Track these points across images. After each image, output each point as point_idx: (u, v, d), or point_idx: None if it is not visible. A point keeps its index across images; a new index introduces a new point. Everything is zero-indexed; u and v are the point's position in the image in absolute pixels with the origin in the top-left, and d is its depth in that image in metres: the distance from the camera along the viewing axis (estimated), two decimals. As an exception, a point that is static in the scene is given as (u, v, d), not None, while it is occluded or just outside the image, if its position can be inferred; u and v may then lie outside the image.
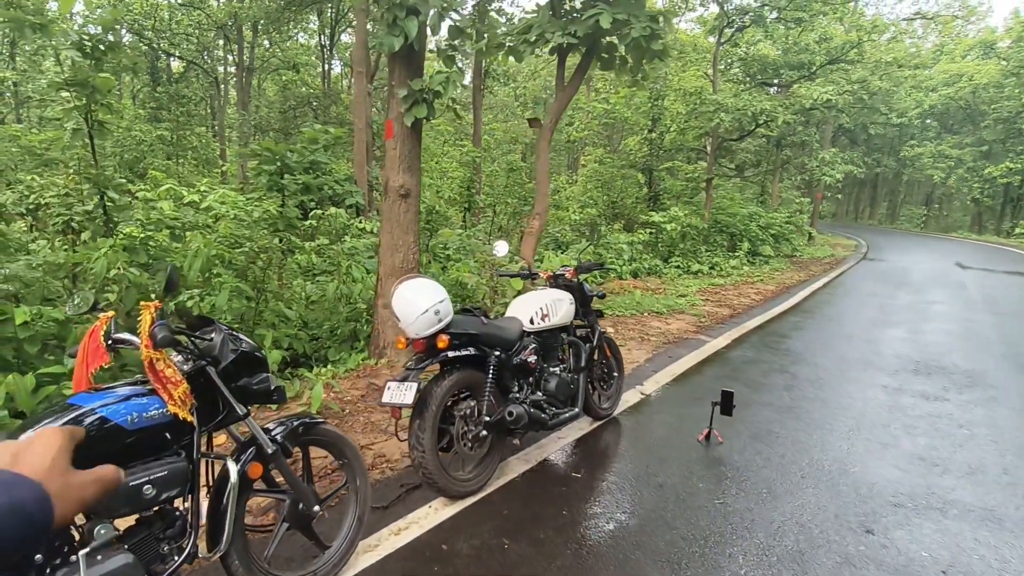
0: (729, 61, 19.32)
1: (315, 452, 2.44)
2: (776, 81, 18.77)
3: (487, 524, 2.77)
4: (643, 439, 3.86)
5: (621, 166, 17.83)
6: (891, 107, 30.06)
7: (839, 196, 41.70)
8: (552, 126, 6.12)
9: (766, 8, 15.13)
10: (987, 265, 16.36)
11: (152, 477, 1.62)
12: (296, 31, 24.84)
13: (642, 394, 4.66)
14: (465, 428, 2.99)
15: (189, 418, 1.74)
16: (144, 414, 1.64)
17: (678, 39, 21.79)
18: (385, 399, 2.74)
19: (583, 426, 3.95)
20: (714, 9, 17.07)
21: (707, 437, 3.81)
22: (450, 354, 2.90)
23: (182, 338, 1.84)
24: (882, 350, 6.39)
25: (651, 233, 13.67)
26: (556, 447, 3.64)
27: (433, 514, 2.84)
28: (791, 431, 4.05)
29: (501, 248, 3.99)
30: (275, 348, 4.72)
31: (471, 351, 3.02)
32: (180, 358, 1.85)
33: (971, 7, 40.75)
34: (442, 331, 2.86)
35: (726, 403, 3.80)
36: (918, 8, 38.36)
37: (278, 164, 6.80)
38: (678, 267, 12.77)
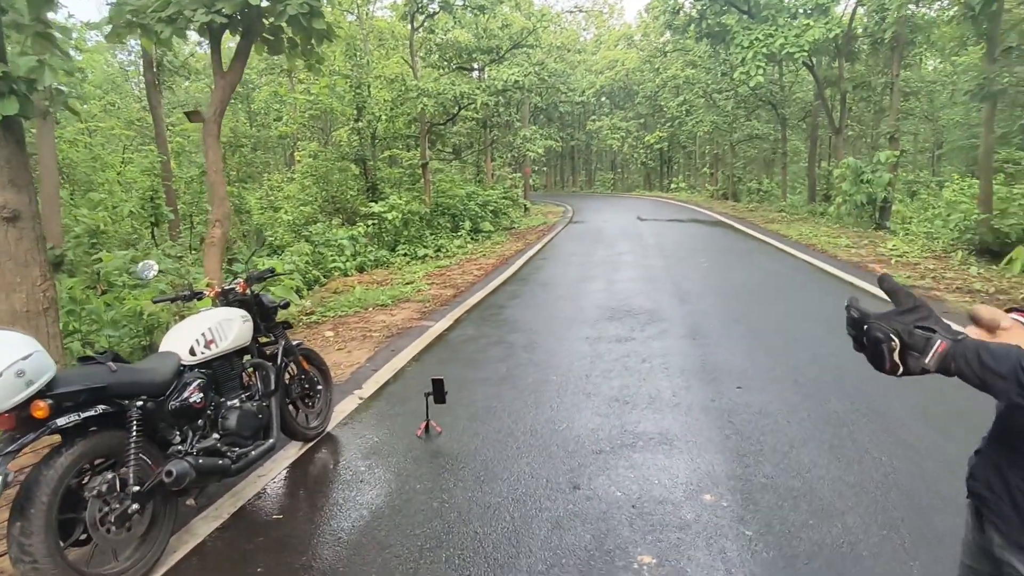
0: (429, 48, 19.74)
1: None
2: (473, 66, 19.79)
3: (151, 623, 2.18)
4: (360, 450, 3.54)
5: (336, 159, 17.10)
6: (571, 87, 34.17)
7: (545, 169, 46.48)
8: (217, 119, 5.32)
9: (451, -6, 15.67)
10: (656, 216, 19.67)
11: None
12: None
13: (360, 399, 4.33)
14: (105, 509, 2.32)
15: None
16: None
17: (375, 25, 21.59)
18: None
19: (290, 454, 3.48)
20: (402, -5, 17.16)
21: (426, 430, 3.65)
22: (60, 422, 2.19)
23: None
24: (584, 304, 7.07)
25: (373, 224, 13.36)
26: (255, 490, 3.11)
27: (70, 635, 2.14)
28: (507, 403, 4.12)
29: (147, 269, 3.25)
30: None
31: (98, 410, 2.33)
32: None
33: (612, 4, 48.54)
34: (38, 396, 2.13)
35: (437, 391, 3.68)
36: (575, 3, 44.28)
37: None
38: (406, 254, 12.71)
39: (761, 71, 14.39)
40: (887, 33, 12.90)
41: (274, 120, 24.20)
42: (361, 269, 11.25)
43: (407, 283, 9.22)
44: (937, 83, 23.62)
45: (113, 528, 2.32)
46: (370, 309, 7.47)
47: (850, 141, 18.20)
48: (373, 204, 13.81)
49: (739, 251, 11.43)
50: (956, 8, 10.71)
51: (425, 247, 13.17)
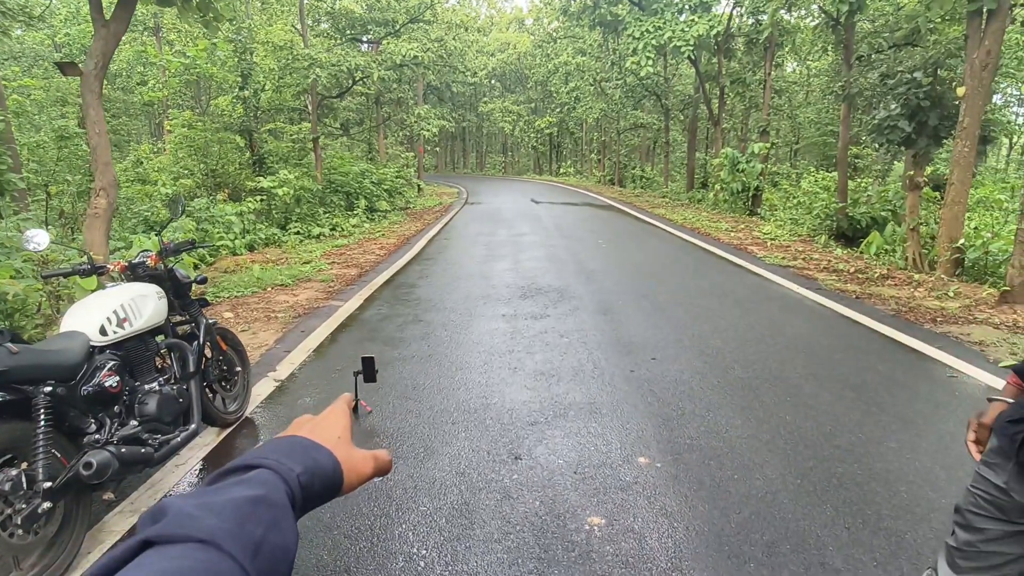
0: (317, 16, 18.69)
1: None
2: (366, 38, 19.01)
3: (76, 630, 1.96)
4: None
5: (216, 129, 15.78)
6: (466, 67, 33.91)
7: (437, 149, 45.86)
8: (99, 74, 4.71)
9: (341, -40, 14.92)
10: (550, 199, 20.15)
11: None
12: None
13: (276, 381, 4.11)
14: (8, 510, 2.04)
15: None
16: None
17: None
18: None
19: (208, 441, 3.24)
20: (289, -44, 16.08)
21: (354, 410, 3.53)
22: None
23: None
24: (495, 283, 7.13)
25: (262, 200, 12.56)
26: (174, 479, 2.87)
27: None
28: (435, 380, 4.09)
29: (37, 239, 2.85)
30: None
31: (-2, 396, 2.05)
32: None
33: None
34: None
35: (368, 370, 3.54)
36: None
37: None
38: (298, 233, 12.09)
39: (651, 62, 15.09)
40: (763, 34, 13.99)
41: (137, 84, 21.88)
42: (251, 247, 10.56)
43: (305, 262, 8.81)
44: (796, 84, 26.09)
45: (19, 532, 2.05)
46: (269, 289, 7.06)
47: (725, 132, 19.62)
48: (261, 179, 12.96)
49: (633, 233, 12.02)
50: (821, 18, 11.83)
51: (320, 225, 12.61)
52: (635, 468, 2.91)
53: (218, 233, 10.14)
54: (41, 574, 2.10)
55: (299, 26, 16.48)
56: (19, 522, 2.04)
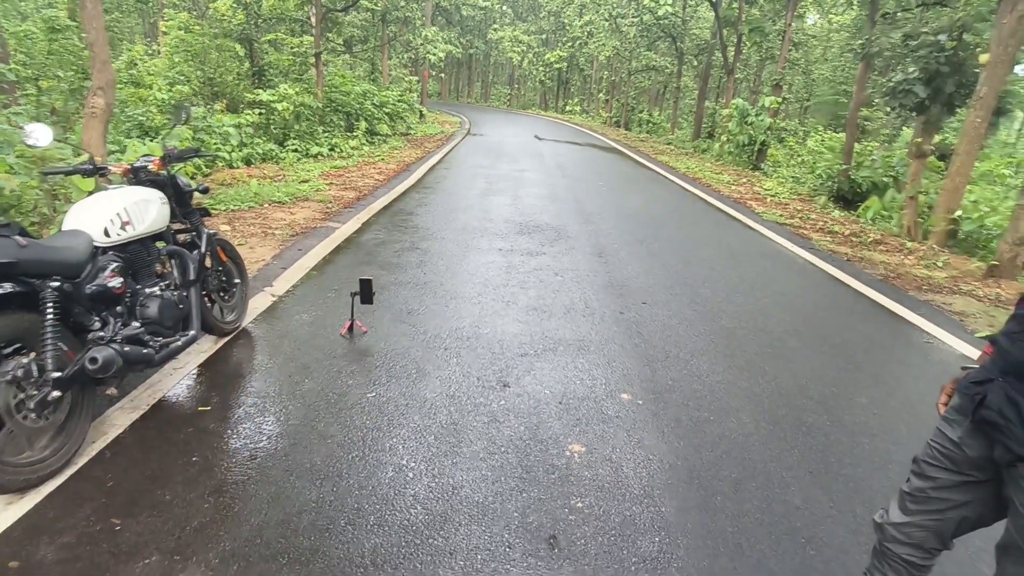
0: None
1: None
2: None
3: (83, 509, 2.08)
4: (281, 347, 3.47)
5: (214, 35, 15.16)
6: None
7: (442, 75, 44.48)
8: (97, -37, 4.52)
9: None
10: (554, 136, 19.81)
11: None
12: None
13: (273, 296, 4.18)
14: (21, 395, 2.13)
15: None
16: None
17: None
18: None
19: (206, 348, 3.33)
20: None
21: (350, 329, 3.63)
22: (-37, 298, 1.95)
23: None
24: (493, 216, 7.13)
25: (260, 114, 12.26)
26: (172, 382, 2.97)
27: (-15, 525, 2.00)
28: (429, 306, 4.17)
29: (39, 134, 2.81)
30: None
31: (6, 288, 2.09)
32: None
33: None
34: (-62, 267, 1.87)
35: (365, 291, 3.65)
36: None
37: None
38: (296, 151, 11.88)
39: (671, 1, 14.52)
40: (788, -20, 13.46)
41: (131, -22, 20.85)
42: (248, 162, 10.39)
43: (302, 181, 8.74)
44: (815, 38, 25.28)
45: (31, 415, 2.15)
46: (266, 206, 7.02)
47: (737, 83, 19.16)
48: (260, 91, 12.61)
49: (634, 178, 11.93)
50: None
51: (318, 145, 12.39)
52: (617, 403, 3.04)
53: (215, 144, 9.96)
54: (51, 456, 2.22)
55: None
56: (32, 407, 2.14)
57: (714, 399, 3.16)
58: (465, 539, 2.05)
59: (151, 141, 9.48)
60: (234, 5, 15.06)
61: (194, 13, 17.98)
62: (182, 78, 14.39)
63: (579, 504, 2.27)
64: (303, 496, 2.21)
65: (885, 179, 10.98)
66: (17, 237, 2.15)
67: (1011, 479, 1.29)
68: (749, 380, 3.41)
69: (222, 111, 11.97)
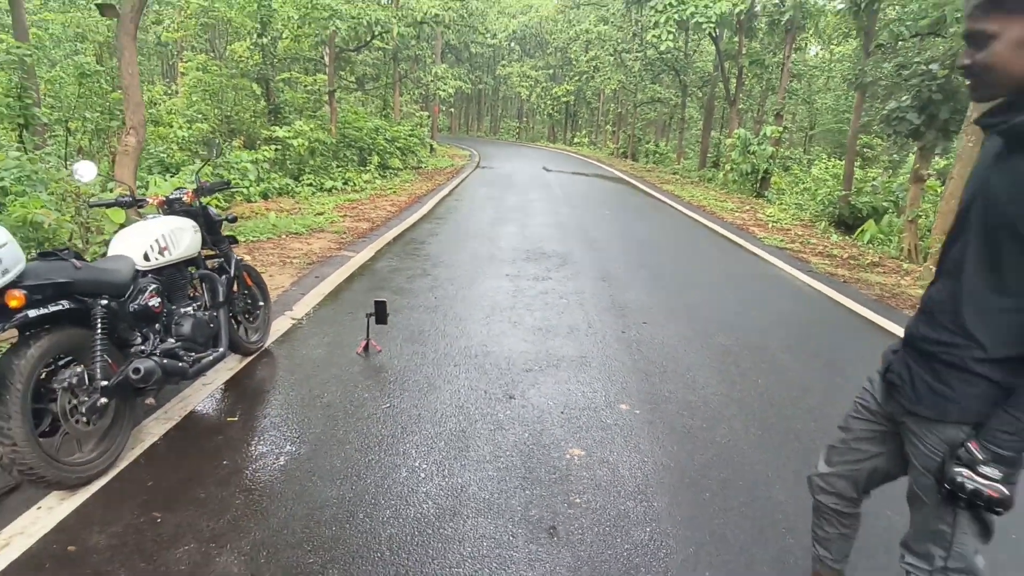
0: (336, -35, 18.50)
1: None
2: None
3: (128, 504, 2.31)
4: (301, 365, 3.71)
5: (231, 75, 15.85)
6: (487, 28, 33.54)
7: (452, 110, 45.60)
8: (135, 16, 4.92)
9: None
10: (562, 168, 20.26)
11: None
12: None
13: (293, 319, 4.44)
14: (74, 401, 2.38)
15: None
16: None
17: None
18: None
19: (232, 366, 3.57)
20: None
21: (366, 348, 3.86)
22: (31, 314, 2.20)
23: None
24: (502, 245, 7.41)
25: (277, 150, 12.75)
26: (202, 395, 3.21)
27: (46, 516, 2.22)
28: (440, 327, 4.41)
29: (86, 171, 3.12)
30: None
31: (64, 305, 2.36)
32: None
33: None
34: (11, 285, 2.14)
35: (380, 312, 3.89)
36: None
37: None
38: (311, 185, 12.31)
39: (672, 36, 15.04)
40: (785, 15, 13.91)
41: (151, 23, 21.78)
42: (265, 196, 10.81)
43: (318, 214, 9.08)
44: (817, 68, 25.81)
45: (83, 419, 2.39)
46: (284, 237, 7.35)
47: (741, 113, 19.58)
48: (276, 128, 13.13)
49: (640, 206, 12.22)
50: (845, 2, 11.78)
51: (332, 179, 12.82)
52: (616, 413, 3.23)
53: (233, 179, 10.39)
54: (98, 458, 2.45)
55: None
56: (83, 411, 2.38)
57: (708, 409, 3.35)
58: (472, 529, 2.25)
59: (172, 177, 9.93)
60: (251, 47, 15.72)
61: (212, 55, 18.77)
62: (200, 116, 15.00)
63: (577, 500, 2.46)
64: (325, 493, 2.42)
65: (885, 204, 11.19)
66: (73, 260, 2.43)
67: (904, 433, 1.51)
68: (742, 392, 3.59)
69: (240, 147, 12.47)
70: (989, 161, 1.30)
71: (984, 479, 1.26)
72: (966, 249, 1.33)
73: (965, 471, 1.28)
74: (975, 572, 1.44)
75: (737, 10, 14.61)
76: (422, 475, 2.58)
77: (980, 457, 1.27)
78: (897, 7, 12.75)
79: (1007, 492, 1.25)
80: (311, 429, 2.92)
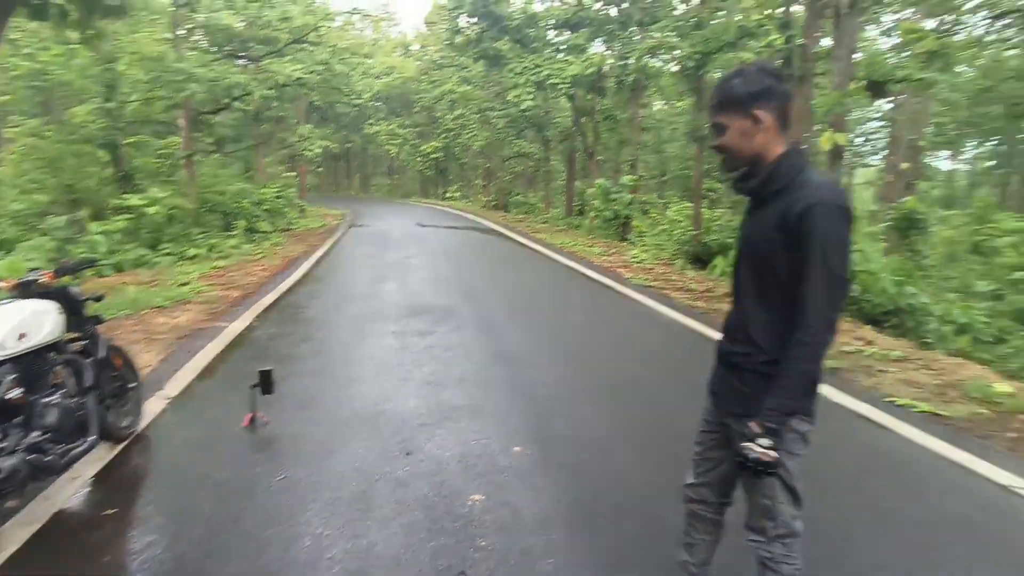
0: (190, 27, 17.98)
1: None
2: (245, 54, 18.54)
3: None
4: (182, 446, 3.51)
5: (72, 140, 14.64)
6: (351, 89, 33.75)
7: (320, 170, 44.86)
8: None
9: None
10: (436, 222, 20.62)
11: None
12: None
13: (166, 399, 4.18)
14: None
15: None
16: None
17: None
18: None
19: (103, 455, 3.31)
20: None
21: (252, 421, 3.74)
22: None
23: None
24: (384, 302, 7.43)
25: (129, 219, 11.90)
26: (70, 491, 2.95)
27: None
28: (330, 392, 4.36)
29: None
30: None
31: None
32: None
33: (390, 13, 49.12)
34: None
35: (265, 382, 3.80)
36: (355, 5, 44.07)
37: None
38: (170, 254, 11.57)
39: (531, 96, 16.14)
40: (630, 77, 15.49)
41: (-33, 86, 19.69)
42: (119, 269, 10.01)
43: (182, 284, 8.56)
44: (663, 121, 28.71)
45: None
46: (145, 312, 6.86)
47: (600, 164, 21.24)
48: (129, 196, 12.28)
49: (514, 256, 12.76)
50: (676, 67, 13.41)
51: (196, 246, 12.13)
52: (510, 456, 3.40)
53: (82, 253, 9.54)
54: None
55: (171, 36, 15.78)
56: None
57: (593, 443, 3.61)
58: (383, 588, 2.28)
59: (6, 254, 8.95)
60: (96, 111, 14.69)
61: (47, 119, 17.25)
62: (34, 185, 13.65)
63: (483, 543, 2.57)
64: (224, 572, 2.33)
65: (729, 240, 12.58)
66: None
67: (731, 434, 1.84)
68: (622, 423, 3.91)
69: (88, 219, 11.50)
70: (746, 214, 1.81)
71: (760, 448, 1.60)
72: (744, 279, 1.77)
73: (749, 444, 1.62)
74: (796, 532, 1.79)
75: (588, 72, 16.04)
76: (326, 541, 2.56)
77: (757, 431, 1.62)
78: (721, 70, 14.72)
79: (775, 455, 1.60)
80: (201, 511, 2.78)
